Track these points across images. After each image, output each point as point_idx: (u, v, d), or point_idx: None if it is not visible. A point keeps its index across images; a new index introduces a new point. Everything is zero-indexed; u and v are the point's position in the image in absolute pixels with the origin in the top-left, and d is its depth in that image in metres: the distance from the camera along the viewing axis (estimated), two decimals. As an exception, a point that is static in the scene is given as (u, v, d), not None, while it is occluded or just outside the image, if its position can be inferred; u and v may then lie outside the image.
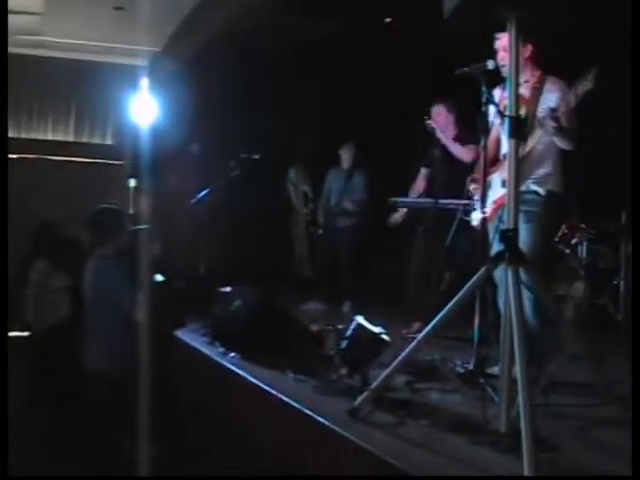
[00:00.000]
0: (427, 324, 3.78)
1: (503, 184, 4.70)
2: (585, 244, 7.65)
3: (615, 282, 7.34)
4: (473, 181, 5.13)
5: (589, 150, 6.59)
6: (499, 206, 4.66)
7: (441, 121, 6.78)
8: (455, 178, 6.37)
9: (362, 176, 8.82)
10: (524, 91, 4.57)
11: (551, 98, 4.60)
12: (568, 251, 7.69)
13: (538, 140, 4.60)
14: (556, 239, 7.73)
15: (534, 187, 4.67)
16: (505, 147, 4.75)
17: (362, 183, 8.78)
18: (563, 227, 7.74)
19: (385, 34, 9.66)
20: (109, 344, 5.06)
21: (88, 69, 11.07)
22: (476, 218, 4.99)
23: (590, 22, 7.03)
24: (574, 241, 7.71)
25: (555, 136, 4.55)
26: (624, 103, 7.10)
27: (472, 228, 5.15)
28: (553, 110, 4.42)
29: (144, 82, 10.23)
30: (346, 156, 8.88)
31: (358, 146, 8.89)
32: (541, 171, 4.73)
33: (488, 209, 4.73)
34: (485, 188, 4.68)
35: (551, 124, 4.41)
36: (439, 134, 6.55)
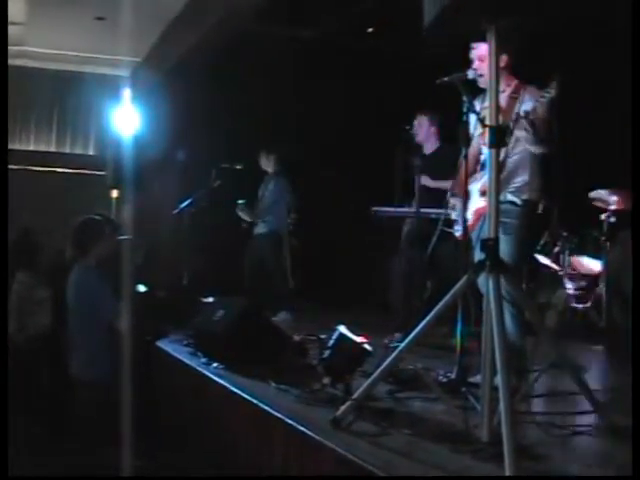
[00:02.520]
0: (408, 333, 3.79)
1: (481, 194, 4.72)
2: (567, 252, 7.68)
3: (597, 289, 7.37)
4: (453, 196, 5.17)
5: (570, 158, 6.65)
6: (479, 216, 4.68)
7: (422, 132, 6.81)
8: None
9: (276, 183, 8.82)
10: (501, 100, 4.55)
11: (527, 109, 4.59)
12: (550, 259, 7.72)
13: (511, 150, 4.59)
14: (538, 247, 7.77)
15: (510, 197, 4.67)
16: (484, 157, 4.77)
17: (273, 190, 8.78)
18: (545, 235, 7.77)
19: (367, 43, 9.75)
20: (91, 354, 5.06)
21: (70, 79, 11.08)
22: (458, 229, 5.02)
23: (563, 29, 7.10)
24: (556, 249, 7.74)
25: (527, 138, 4.56)
26: (603, 110, 7.21)
27: (453, 237, 5.17)
28: (527, 113, 4.44)
29: (126, 92, 10.22)
30: (265, 163, 8.89)
31: (279, 153, 8.91)
32: (517, 180, 4.73)
33: (469, 219, 4.74)
34: (466, 198, 4.69)
35: (525, 125, 4.42)
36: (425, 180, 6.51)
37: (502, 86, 4.65)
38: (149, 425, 4.76)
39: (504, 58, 4.62)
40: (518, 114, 4.50)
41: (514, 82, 4.79)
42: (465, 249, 4.62)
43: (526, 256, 5.29)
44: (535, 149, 4.68)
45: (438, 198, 5.99)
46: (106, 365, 4.83)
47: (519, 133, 4.48)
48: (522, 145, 4.63)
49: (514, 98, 4.71)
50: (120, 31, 7.81)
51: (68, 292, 5.20)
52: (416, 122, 6.81)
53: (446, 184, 6.09)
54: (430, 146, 6.87)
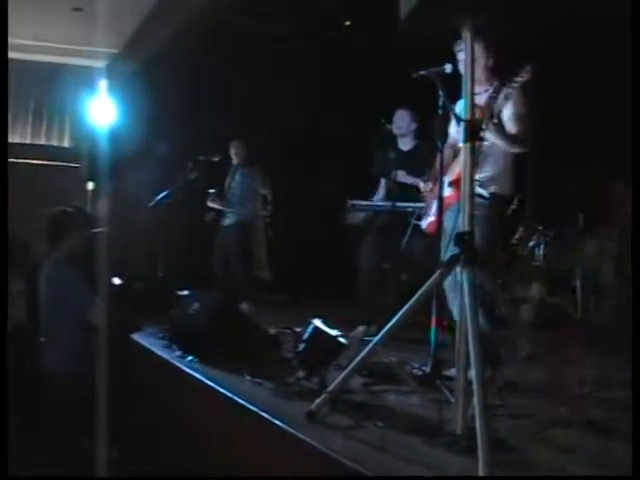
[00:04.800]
0: (380, 327, 3.79)
1: (449, 184, 4.71)
2: (542, 245, 7.71)
3: (572, 283, 7.41)
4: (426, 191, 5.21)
5: (546, 152, 6.68)
6: (447, 205, 4.67)
7: (404, 127, 6.77)
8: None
9: (242, 174, 8.82)
10: (481, 100, 4.53)
11: (507, 106, 4.59)
12: (525, 253, 7.76)
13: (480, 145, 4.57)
14: (514, 241, 7.80)
15: (478, 190, 4.63)
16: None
17: (241, 181, 8.79)
18: (521, 229, 7.81)
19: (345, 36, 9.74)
20: (65, 347, 5.02)
21: (46, 70, 10.98)
22: (426, 222, 5.05)
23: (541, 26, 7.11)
24: (532, 243, 7.77)
25: (500, 142, 4.57)
26: (582, 106, 7.24)
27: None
28: (494, 117, 4.45)
29: (102, 84, 10.16)
30: (233, 153, 8.87)
31: (247, 144, 8.92)
32: (485, 174, 4.71)
33: (436, 212, 4.74)
34: (440, 192, 4.68)
35: (491, 137, 4.45)
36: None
37: (485, 86, 4.66)
38: (124, 419, 4.74)
39: (492, 57, 4.66)
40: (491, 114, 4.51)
41: (497, 82, 4.75)
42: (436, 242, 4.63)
43: (493, 247, 5.26)
44: (511, 149, 4.68)
45: (411, 193, 6.00)
46: (80, 359, 4.80)
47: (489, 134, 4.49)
48: (490, 140, 4.61)
49: (493, 97, 4.69)
50: (97, 22, 7.76)
51: (40, 286, 5.16)
52: (398, 117, 6.78)
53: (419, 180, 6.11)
54: (408, 141, 6.83)
